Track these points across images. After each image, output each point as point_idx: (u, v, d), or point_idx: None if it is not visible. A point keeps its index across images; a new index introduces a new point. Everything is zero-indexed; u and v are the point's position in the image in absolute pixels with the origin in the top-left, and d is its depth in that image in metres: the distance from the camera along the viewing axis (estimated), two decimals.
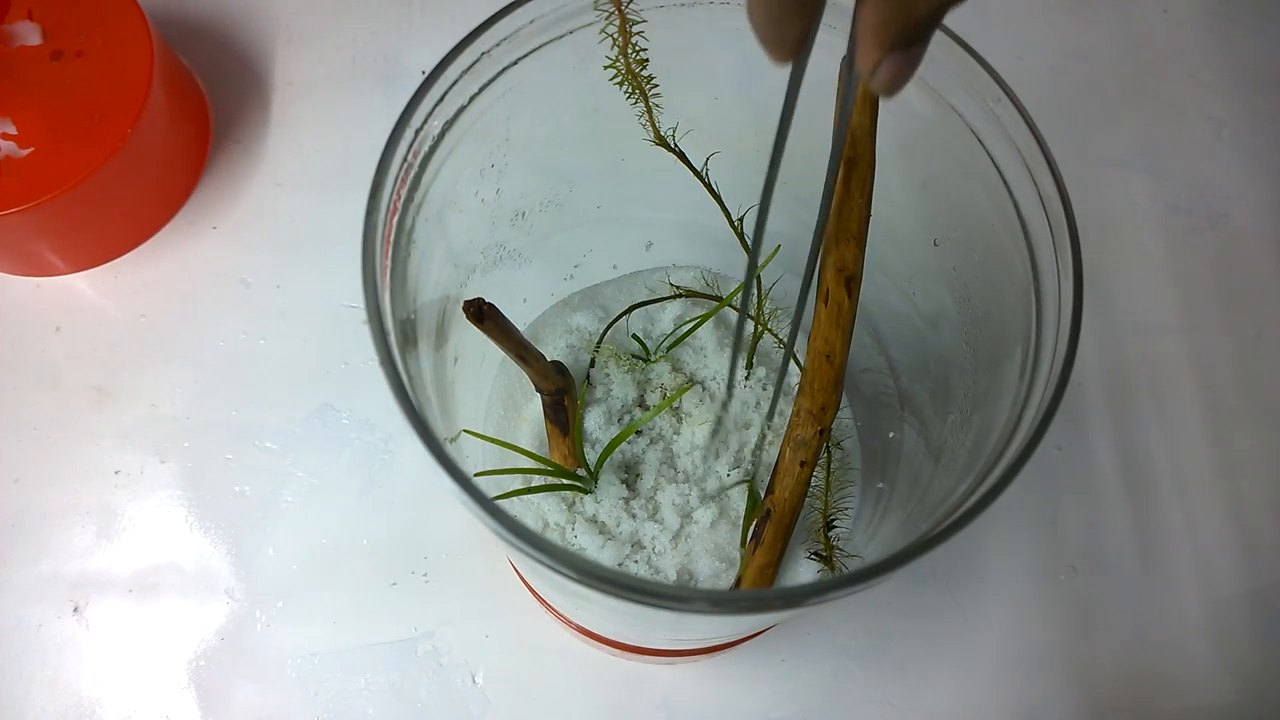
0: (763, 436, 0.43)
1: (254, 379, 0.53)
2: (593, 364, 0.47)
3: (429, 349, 0.33)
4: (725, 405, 0.43)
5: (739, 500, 0.44)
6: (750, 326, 0.45)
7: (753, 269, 0.34)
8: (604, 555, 0.42)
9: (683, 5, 0.34)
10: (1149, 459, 0.54)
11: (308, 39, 0.62)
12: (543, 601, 0.46)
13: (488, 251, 0.41)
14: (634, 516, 0.43)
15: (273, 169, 0.58)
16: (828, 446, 0.41)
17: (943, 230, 0.38)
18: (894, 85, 0.23)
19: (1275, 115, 0.62)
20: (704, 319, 0.45)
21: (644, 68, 0.34)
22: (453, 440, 0.34)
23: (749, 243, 0.41)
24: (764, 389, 0.47)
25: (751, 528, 0.41)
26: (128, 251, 0.56)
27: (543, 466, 0.41)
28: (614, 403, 0.46)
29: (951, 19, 0.25)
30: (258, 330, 0.55)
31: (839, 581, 0.26)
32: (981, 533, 0.52)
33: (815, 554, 0.43)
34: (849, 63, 0.24)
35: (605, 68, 0.34)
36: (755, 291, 0.45)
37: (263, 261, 0.56)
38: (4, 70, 0.51)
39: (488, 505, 0.26)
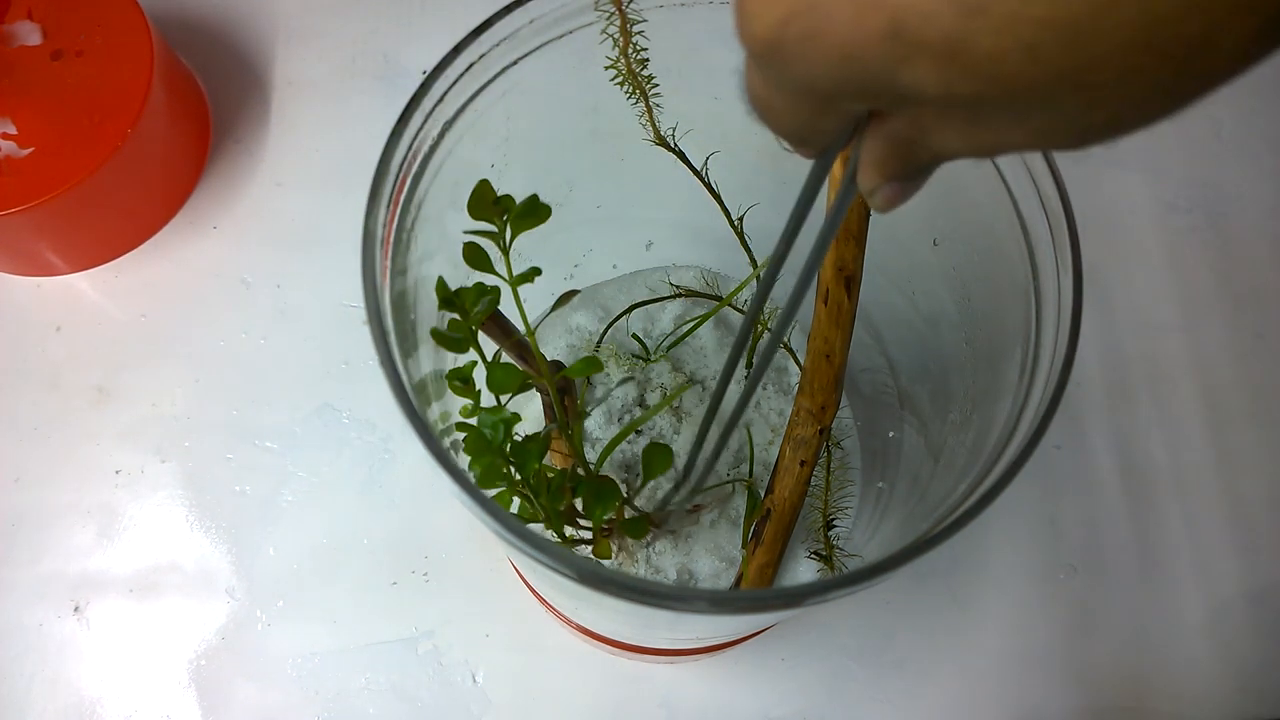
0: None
1: (254, 379, 0.53)
2: None
3: (429, 349, 0.33)
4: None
5: (739, 500, 0.44)
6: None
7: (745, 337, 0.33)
8: None
9: (683, 5, 0.34)
10: (1149, 459, 0.54)
11: (308, 39, 0.62)
12: (543, 601, 0.46)
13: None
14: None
15: (273, 169, 0.58)
16: (828, 446, 0.41)
17: (943, 230, 0.38)
18: (889, 207, 0.23)
19: (1274, 115, 0.62)
20: (704, 319, 0.45)
21: (644, 68, 0.34)
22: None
23: (749, 243, 0.41)
24: (763, 389, 0.47)
25: (751, 527, 0.41)
26: (128, 251, 0.56)
27: None
28: (614, 402, 0.46)
29: None
30: (258, 330, 0.55)
31: (839, 581, 0.26)
32: (981, 532, 0.52)
33: (815, 553, 0.43)
34: (851, 174, 0.23)
35: (606, 68, 0.34)
36: (755, 292, 0.45)
37: (263, 261, 0.56)
38: (4, 70, 0.51)
39: (488, 505, 0.26)
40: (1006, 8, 0.14)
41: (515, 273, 0.32)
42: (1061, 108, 0.16)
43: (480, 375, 0.33)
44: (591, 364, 0.34)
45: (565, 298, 0.41)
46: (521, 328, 0.34)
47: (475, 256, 0.31)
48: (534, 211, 0.31)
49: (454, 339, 0.31)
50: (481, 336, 0.34)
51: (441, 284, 0.31)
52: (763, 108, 0.21)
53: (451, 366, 0.33)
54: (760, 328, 0.45)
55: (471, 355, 0.32)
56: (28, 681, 0.48)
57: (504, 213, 0.31)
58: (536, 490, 0.33)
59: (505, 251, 0.32)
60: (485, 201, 0.30)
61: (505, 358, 0.34)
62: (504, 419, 0.31)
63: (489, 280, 0.32)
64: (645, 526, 0.40)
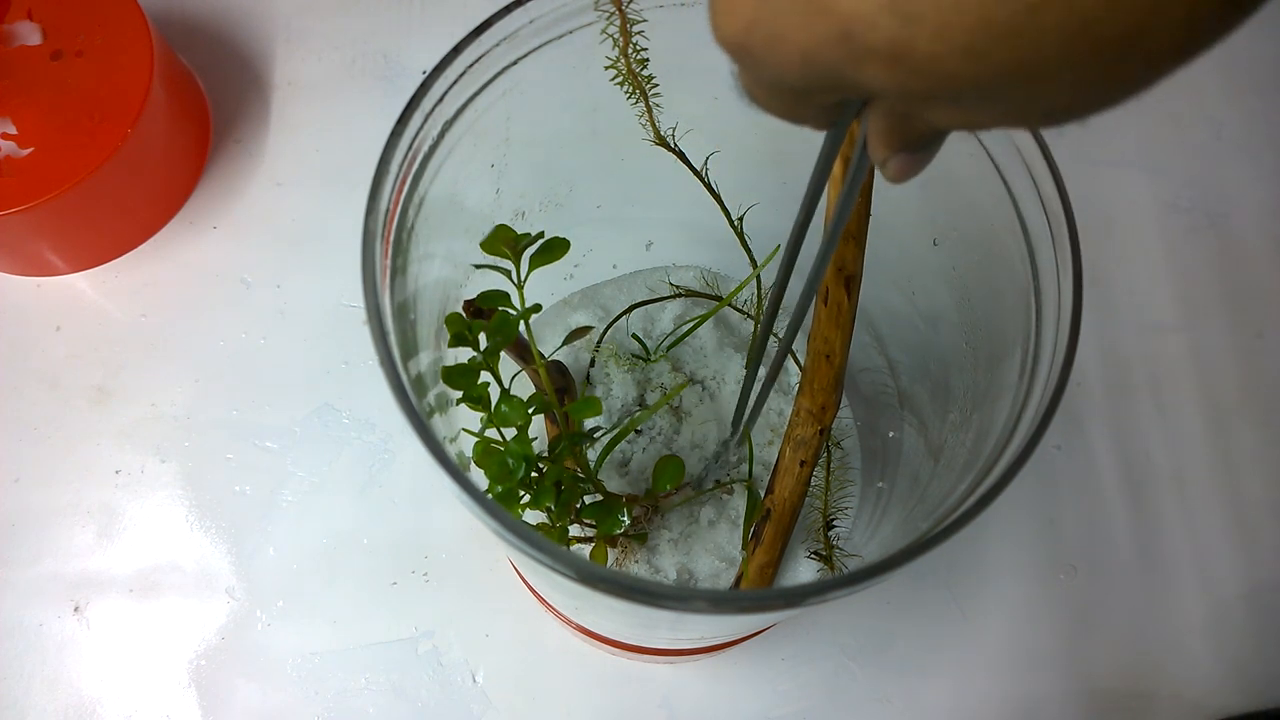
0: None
1: (254, 379, 0.53)
2: (593, 364, 0.47)
3: (429, 349, 0.33)
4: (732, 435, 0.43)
5: (739, 500, 0.44)
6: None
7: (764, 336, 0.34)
8: None
9: (683, 5, 0.34)
10: (1149, 459, 0.54)
11: (308, 39, 0.62)
12: (543, 601, 0.46)
13: None
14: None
15: (273, 169, 0.58)
16: (828, 446, 0.41)
17: (943, 230, 0.38)
18: (903, 177, 0.23)
19: (1274, 115, 0.62)
20: (704, 319, 0.45)
21: (644, 68, 0.34)
22: (452, 440, 0.34)
23: (749, 243, 0.41)
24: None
25: (751, 527, 0.41)
26: (128, 251, 0.56)
27: None
28: (614, 402, 0.46)
29: None
30: (258, 330, 0.55)
31: (839, 581, 0.26)
32: (981, 532, 0.52)
33: (815, 553, 0.43)
34: (862, 144, 0.23)
35: (606, 68, 0.34)
36: (755, 291, 0.45)
37: (263, 261, 0.56)
38: (4, 70, 0.51)
39: (488, 505, 0.26)
40: (941, 17, 0.15)
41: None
42: (1012, 97, 0.17)
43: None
44: (591, 405, 0.35)
45: (576, 334, 0.41)
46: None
47: (456, 377, 0.32)
48: (550, 249, 0.32)
49: (467, 375, 0.32)
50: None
51: (455, 319, 0.31)
52: (750, 96, 0.23)
53: (452, 363, 0.33)
54: (758, 325, 0.45)
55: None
56: (28, 681, 0.48)
57: (518, 247, 0.32)
58: (540, 496, 0.34)
59: (520, 287, 0.32)
60: (500, 239, 0.31)
61: (506, 357, 0.34)
62: (527, 455, 0.32)
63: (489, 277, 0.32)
64: (645, 536, 0.42)
